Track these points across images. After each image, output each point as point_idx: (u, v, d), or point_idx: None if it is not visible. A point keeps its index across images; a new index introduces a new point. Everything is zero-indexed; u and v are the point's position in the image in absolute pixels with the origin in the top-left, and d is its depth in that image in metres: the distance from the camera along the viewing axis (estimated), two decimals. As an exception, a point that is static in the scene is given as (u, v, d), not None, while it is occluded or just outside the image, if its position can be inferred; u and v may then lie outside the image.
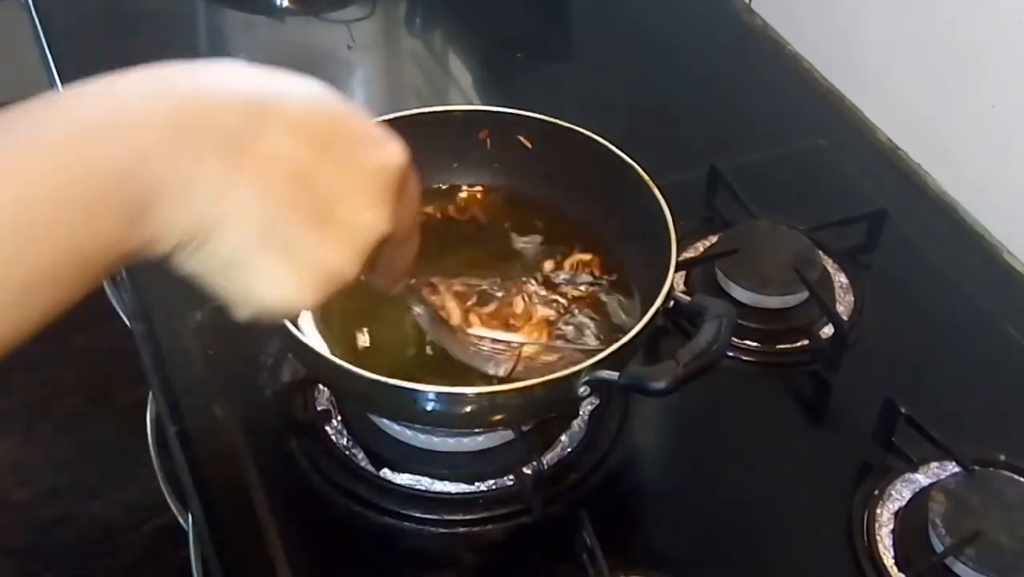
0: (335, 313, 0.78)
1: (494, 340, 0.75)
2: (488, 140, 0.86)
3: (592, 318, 0.79)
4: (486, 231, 0.86)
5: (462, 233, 0.86)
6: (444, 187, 0.88)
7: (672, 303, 0.71)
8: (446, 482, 0.75)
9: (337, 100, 0.46)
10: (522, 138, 0.85)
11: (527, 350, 0.75)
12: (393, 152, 0.47)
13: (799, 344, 0.87)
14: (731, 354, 0.86)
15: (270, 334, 0.83)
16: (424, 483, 0.75)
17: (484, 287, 0.80)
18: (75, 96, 0.41)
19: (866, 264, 0.94)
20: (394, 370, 0.66)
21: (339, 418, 0.79)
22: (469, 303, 0.79)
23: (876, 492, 0.76)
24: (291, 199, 0.43)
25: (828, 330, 0.87)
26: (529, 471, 0.74)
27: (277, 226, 0.42)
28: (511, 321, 0.78)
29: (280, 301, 0.44)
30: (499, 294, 0.80)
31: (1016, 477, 0.75)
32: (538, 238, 0.85)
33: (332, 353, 0.70)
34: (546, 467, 0.75)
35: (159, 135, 0.40)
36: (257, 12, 1.28)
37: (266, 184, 0.42)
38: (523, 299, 0.80)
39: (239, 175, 0.41)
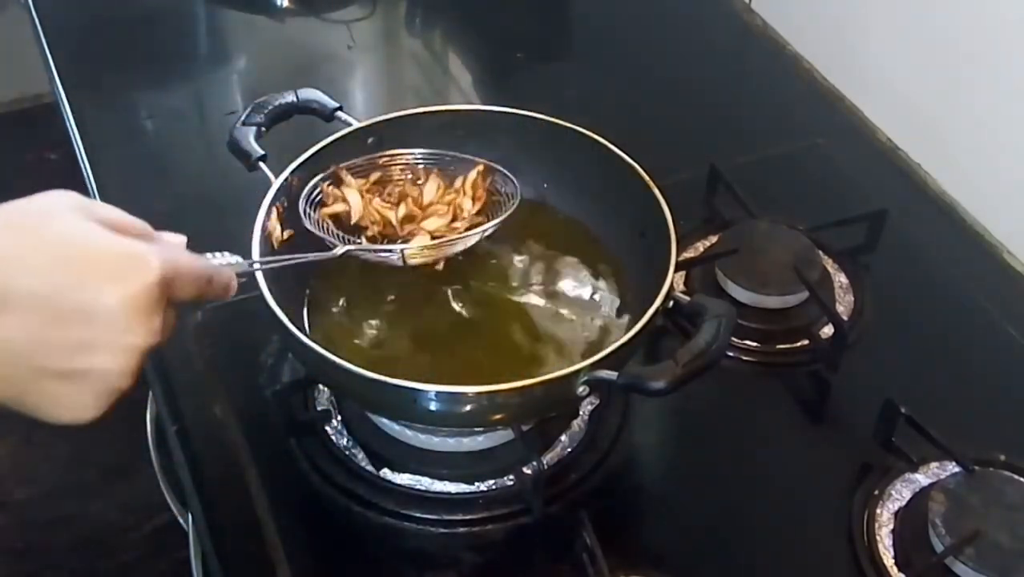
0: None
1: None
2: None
3: None
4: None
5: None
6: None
7: (672, 303, 0.71)
8: (446, 482, 0.76)
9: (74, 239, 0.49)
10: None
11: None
12: (139, 276, 0.49)
13: (799, 344, 0.87)
14: (731, 354, 0.86)
15: (270, 334, 0.83)
16: (424, 483, 0.75)
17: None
18: None
19: (866, 264, 0.94)
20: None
21: (339, 418, 0.79)
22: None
23: (876, 492, 0.76)
24: (51, 343, 0.48)
25: (828, 330, 0.87)
26: (529, 471, 0.74)
27: (46, 363, 0.48)
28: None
29: (69, 418, 0.50)
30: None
31: (1016, 477, 0.75)
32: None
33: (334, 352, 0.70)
34: (546, 467, 0.75)
35: None
36: (257, 12, 1.29)
37: (24, 331, 0.47)
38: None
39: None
